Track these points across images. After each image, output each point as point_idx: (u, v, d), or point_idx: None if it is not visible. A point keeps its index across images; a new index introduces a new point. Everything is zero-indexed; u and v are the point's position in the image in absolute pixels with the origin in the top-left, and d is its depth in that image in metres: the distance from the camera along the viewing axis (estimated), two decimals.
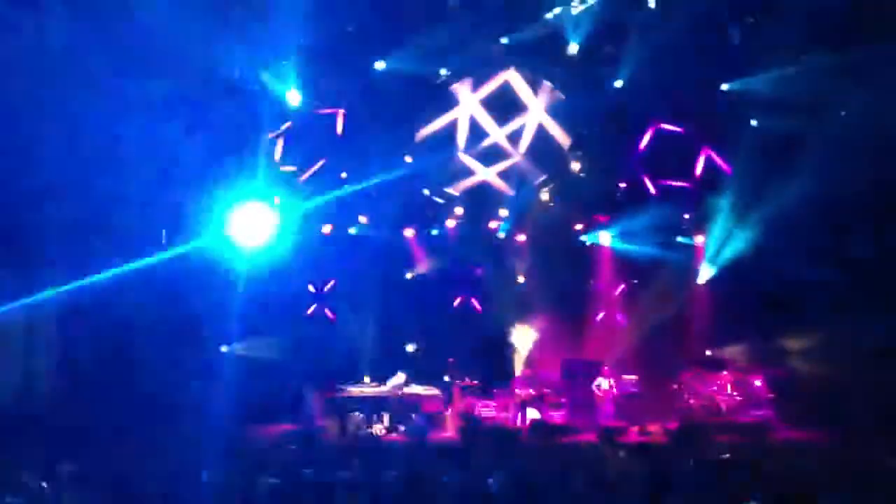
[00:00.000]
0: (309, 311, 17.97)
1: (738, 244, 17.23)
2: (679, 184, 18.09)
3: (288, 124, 17.36)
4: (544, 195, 18.36)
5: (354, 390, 16.02)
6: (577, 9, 16.26)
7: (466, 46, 16.72)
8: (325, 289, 18.16)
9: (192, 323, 15.90)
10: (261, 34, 15.51)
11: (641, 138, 18.05)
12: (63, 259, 15.09)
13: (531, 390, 16.00)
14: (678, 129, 17.97)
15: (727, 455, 11.36)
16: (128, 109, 14.66)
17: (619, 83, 17.04)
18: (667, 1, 16.45)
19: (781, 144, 16.72)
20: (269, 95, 16.42)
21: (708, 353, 17.19)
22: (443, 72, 17.27)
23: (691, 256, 18.24)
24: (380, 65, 16.62)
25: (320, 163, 17.66)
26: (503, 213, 18.39)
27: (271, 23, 15.44)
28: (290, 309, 17.63)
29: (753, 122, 17.25)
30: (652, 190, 18.10)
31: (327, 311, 18.05)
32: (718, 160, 17.95)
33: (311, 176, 17.64)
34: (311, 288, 18.09)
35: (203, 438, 13.41)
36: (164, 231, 16.15)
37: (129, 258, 14.81)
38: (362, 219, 17.92)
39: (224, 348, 16.44)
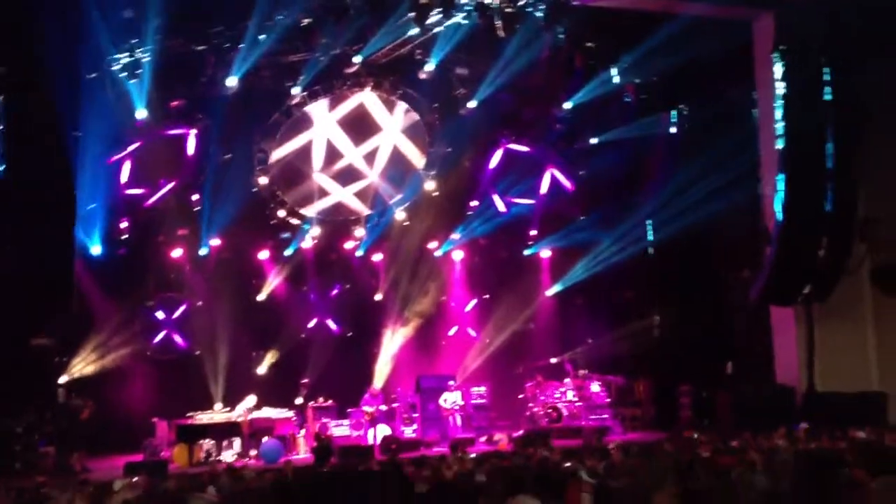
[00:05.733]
0: (157, 338, 17.38)
1: (587, 258, 18.01)
2: (526, 201, 18.68)
3: (135, 145, 16.81)
4: (400, 214, 18.51)
5: (204, 417, 15.49)
6: (432, 30, 16.39)
7: (321, 65, 16.53)
8: (175, 314, 17.60)
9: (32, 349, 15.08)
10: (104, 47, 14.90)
11: (491, 158, 18.55)
12: None
13: (383, 407, 16.03)
14: (525, 149, 18.56)
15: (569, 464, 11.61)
16: None
17: (472, 104, 17.29)
18: (514, 26, 16.86)
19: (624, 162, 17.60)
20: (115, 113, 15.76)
21: (552, 360, 17.72)
22: (296, 91, 17.06)
23: (538, 270, 18.90)
24: (231, 81, 15.70)
25: (170, 185, 17.21)
26: (360, 232, 18.44)
27: (116, 35, 14.88)
28: (140, 334, 17.01)
29: (594, 140, 18.05)
30: (501, 207, 18.60)
31: (176, 337, 17.50)
32: (562, 178, 18.63)
33: (160, 198, 17.16)
34: (159, 314, 17.51)
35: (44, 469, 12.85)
36: None
37: None
38: (214, 241, 17.51)
39: (63, 379, 15.60)
